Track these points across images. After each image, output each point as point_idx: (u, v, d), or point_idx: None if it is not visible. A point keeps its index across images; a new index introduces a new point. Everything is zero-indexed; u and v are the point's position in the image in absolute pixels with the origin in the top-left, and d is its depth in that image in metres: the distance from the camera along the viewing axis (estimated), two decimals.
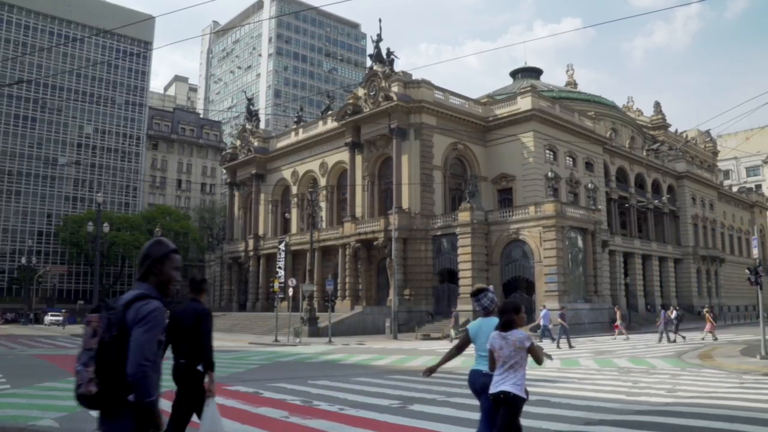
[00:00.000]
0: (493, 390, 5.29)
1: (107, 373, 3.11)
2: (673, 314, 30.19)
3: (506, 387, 5.24)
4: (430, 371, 6.17)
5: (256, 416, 9.26)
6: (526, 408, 8.84)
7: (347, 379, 13.97)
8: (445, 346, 27.87)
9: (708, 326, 28.52)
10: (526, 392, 5.39)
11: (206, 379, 5.60)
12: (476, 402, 6.62)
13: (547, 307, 30.48)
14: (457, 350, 6.12)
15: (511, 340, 5.24)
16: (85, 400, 3.18)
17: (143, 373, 3.08)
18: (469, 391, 10.70)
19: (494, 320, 5.60)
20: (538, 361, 5.60)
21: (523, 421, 8.28)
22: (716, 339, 27.71)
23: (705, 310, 32.03)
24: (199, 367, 5.61)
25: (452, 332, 32.16)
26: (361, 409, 9.65)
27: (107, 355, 3.13)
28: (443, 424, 8.28)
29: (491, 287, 6.31)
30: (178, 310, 6.05)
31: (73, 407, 10.05)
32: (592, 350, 23.46)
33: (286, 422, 8.79)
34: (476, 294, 5.93)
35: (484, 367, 5.57)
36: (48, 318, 59.88)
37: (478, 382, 5.65)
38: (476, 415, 7.59)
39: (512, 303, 5.61)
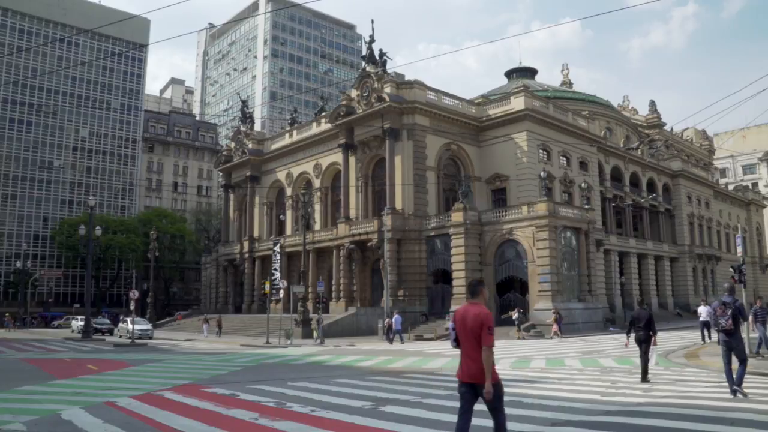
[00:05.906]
0: None
1: (736, 322, 10.59)
2: (515, 315, 32.59)
3: None
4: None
5: (226, 418, 9.23)
6: None
7: (327, 381, 13.93)
8: (435, 347, 27.80)
9: (554, 327, 32.16)
10: None
11: (652, 339, 12.54)
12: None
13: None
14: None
15: None
16: (725, 331, 10.65)
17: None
18: (443, 393, 11.04)
19: None
20: None
21: (489, 423, 8.27)
22: (552, 337, 31.36)
23: (552, 311, 33.78)
24: (651, 333, 12.46)
25: (315, 333, 32.60)
26: (332, 411, 9.61)
27: (735, 318, 10.55)
28: (409, 426, 8.25)
29: (764, 297, 17.13)
30: (636, 313, 12.95)
31: (45, 411, 10.02)
32: (581, 350, 23.40)
33: (253, 424, 8.77)
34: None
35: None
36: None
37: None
38: (445, 417, 7.68)
39: None
